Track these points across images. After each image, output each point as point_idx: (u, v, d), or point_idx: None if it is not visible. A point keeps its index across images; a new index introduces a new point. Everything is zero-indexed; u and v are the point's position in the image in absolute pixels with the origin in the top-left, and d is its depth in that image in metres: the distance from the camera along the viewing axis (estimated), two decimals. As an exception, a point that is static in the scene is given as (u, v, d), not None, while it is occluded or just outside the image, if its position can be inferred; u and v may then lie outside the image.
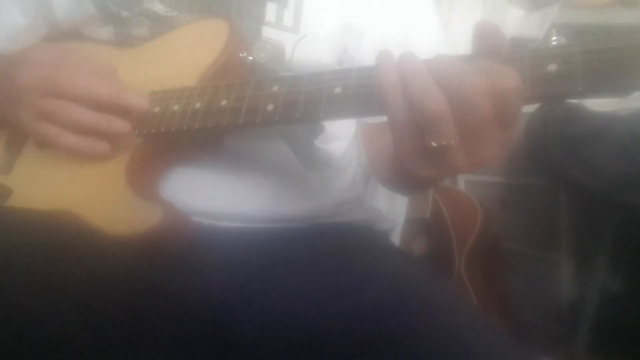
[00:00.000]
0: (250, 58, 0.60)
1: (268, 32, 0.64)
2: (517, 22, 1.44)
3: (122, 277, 0.49)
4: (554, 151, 1.09)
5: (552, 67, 0.40)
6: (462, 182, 1.59)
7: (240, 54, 0.60)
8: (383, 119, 0.45)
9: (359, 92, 0.47)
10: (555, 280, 1.31)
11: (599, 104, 1.13)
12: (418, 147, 0.42)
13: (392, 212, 0.93)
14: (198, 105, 0.55)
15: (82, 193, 0.59)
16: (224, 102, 0.53)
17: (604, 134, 1.04)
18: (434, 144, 0.41)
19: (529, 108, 1.20)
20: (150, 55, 0.65)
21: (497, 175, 1.46)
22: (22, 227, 0.54)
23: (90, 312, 0.45)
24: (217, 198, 0.61)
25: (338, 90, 0.48)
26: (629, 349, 1.11)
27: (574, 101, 1.14)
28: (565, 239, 1.29)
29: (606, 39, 0.40)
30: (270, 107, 0.51)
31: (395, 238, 0.93)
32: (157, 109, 0.57)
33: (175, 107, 0.56)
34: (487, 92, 0.40)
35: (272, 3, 0.65)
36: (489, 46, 0.43)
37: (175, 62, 0.63)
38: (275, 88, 0.52)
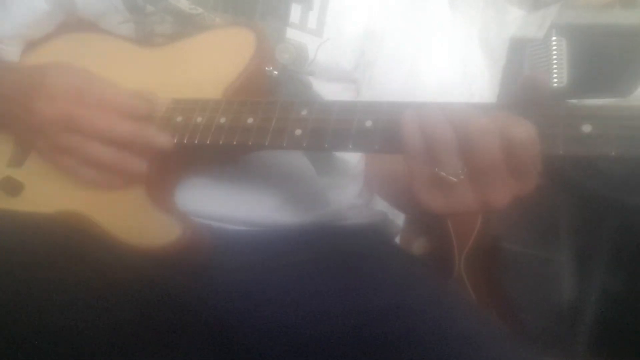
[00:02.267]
0: (276, 73, 0.59)
1: (292, 34, 0.64)
2: (517, 22, 1.44)
3: (134, 282, 0.49)
4: (554, 151, 1.09)
5: (587, 128, 0.40)
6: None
7: (267, 68, 0.59)
8: None
9: (389, 127, 0.46)
10: (555, 280, 1.31)
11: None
12: (428, 176, 0.44)
13: (392, 212, 0.93)
14: (223, 120, 0.54)
15: (97, 197, 0.57)
16: (250, 120, 0.52)
17: (604, 134, 1.04)
18: (441, 172, 0.43)
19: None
20: (173, 60, 0.63)
21: (497, 175, 1.46)
22: (41, 231, 0.54)
23: (102, 315, 0.45)
24: (228, 203, 0.61)
25: (369, 123, 0.47)
26: (629, 349, 1.11)
27: (574, 101, 1.14)
28: (565, 239, 1.29)
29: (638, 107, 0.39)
30: (298, 132, 0.50)
31: (396, 238, 0.93)
32: (179, 119, 0.56)
33: (199, 119, 0.55)
34: (494, 134, 0.42)
35: (297, 5, 0.65)
36: (532, 97, 0.44)
37: (199, 71, 0.62)
38: (304, 112, 0.50)
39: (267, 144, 0.51)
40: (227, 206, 0.61)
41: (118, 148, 0.54)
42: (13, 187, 0.60)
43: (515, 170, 0.43)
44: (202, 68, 0.62)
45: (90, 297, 0.46)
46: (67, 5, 0.71)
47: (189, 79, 0.61)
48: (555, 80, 1.25)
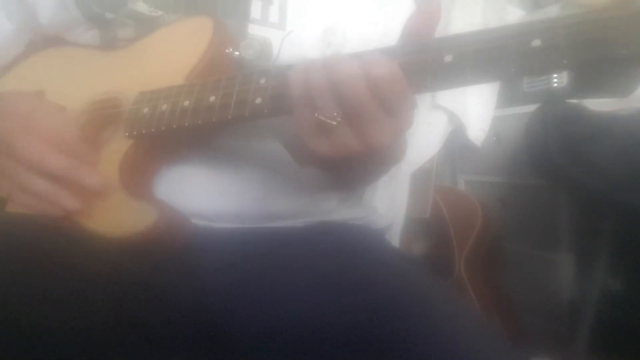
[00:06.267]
0: (237, 53, 0.60)
1: (254, 30, 0.64)
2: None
3: (117, 279, 0.49)
4: (554, 151, 1.09)
5: (537, 43, 0.41)
6: (462, 182, 1.59)
7: (226, 50, 0.60)
8: None
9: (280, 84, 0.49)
10: (555, 280, 1.31)
11: (599, 104, 1.13)
12: (311, 121, 0.47)
13: (392, 211, 0.93)
14: (186, 103, 0.55)
15: None
16: (212, 99, 0.53)
17: (604, 134, 1.04)
18: (320, 117, 0.46)
19: (528, 108, 1.20)
20: (136, 57, 0.64)
21: (497, 175, 1.46)
22: (16, 231, 0.54)
23: (85, 314, 0.45)
24: (210, 199, 0.61)
25: None
26: (629, 349, 1.11)
27: (574, 101, 1.14)
28: (565, 239, 1.29)
29: (587, 13, 0.41)
30: (258, 101, 0.51)
31: (396, 238, 0.93)
32: (146, 110, 0.57)
33: (164, 107, 0.56)
34: (359, 76, 0.45)
35: (257, 0, 0.65)
36: (422, 25, 0.46)
37: (161, 62, 0.63)
38: (262, 81, 0.52)
39: (230, 117, 0.52)
40: (211, 203, 0.61)
41: (51, 181, 0.54)
42: None
43: (388, 108, 0.45)
44: (165, 59, 0.63)
45: (72, 298, 0.46)
46: (30, 21, 0.71)
47: (153, 72, 0.62)
48: (555, 80, 1.25)
